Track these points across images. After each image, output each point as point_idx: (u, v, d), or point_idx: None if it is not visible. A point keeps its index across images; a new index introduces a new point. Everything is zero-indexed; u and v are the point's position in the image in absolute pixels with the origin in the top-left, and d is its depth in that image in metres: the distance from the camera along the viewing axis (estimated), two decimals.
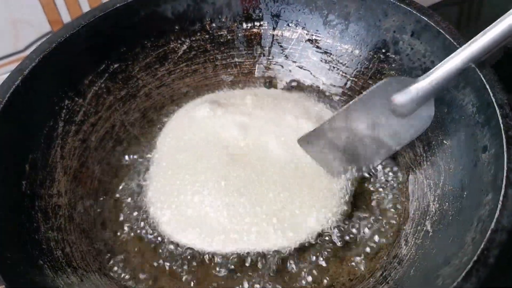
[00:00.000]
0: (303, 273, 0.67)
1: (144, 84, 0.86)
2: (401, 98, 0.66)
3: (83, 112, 0.78)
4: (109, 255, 0.70)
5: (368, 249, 0.69)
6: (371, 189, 0.75)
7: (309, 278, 0.66)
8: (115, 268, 0.68)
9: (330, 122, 0.72)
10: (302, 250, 0.68)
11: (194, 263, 0.68)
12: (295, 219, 0.69)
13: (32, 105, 0.71)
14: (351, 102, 0.70)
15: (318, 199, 0.71)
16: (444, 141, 0.70)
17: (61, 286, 0.60)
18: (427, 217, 0.67)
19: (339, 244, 0.69)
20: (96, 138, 0.79)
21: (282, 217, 0.68)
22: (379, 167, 0.76)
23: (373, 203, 0.73)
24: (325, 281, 0.66)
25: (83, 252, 0.68)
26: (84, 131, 0.78)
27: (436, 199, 0.67)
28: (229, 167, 0.72)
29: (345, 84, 0.86)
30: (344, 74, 0.86)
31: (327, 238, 0.69)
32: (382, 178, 0.76)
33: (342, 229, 0.70)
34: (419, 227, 0.67)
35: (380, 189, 0.75)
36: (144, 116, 0.85)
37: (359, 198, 0.74)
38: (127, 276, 0.67)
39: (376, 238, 0.70)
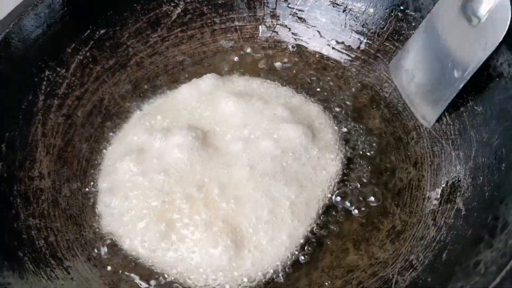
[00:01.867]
0: (319, 257, 0.60)
1: (135, 52, 0.78)
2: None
3: (66, 84, 0.70)
4: (100, 243, 0.62)
5: (389, 231, 0.61)
6: (394, 163, 0.67)
7: (325, 263, 0.59)
8: (106, 257, 0.61)
9: (412, 40, 0.68)
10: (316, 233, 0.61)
11: None
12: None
13: (7, 77, 0.64)
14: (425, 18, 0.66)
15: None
16: (475, 107, 0.62)
17: (43, 282, 0.53)
18: (458, 194, 0.59)
19: (356, 226, 0.61)
20: (83, 113, 0.71)
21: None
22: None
23: (395, 179, 0.65)
24: (342, 267, 0.59)
25: (70, 241, 0.61)
26: (68, 105, 0.70)
27: (468, 172, 0.59)
28: None
29: (358, 47, 0.78)
30: (357, 36, 0.77)
31: (342, 217, 0.62)
32: (403, 150, 0.68)
33: (361, 207, 0.63)
34: (449, 205, 0.59)
35: (403, 164, 0.67)
36: (136, 88, 0.77)
37: (380, 173, 0.66)
38: (120, 266, 0.60)
39: (398, 217, 0.62)
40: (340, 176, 0.66)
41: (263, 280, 0.58)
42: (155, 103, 0.75)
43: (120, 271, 0.59)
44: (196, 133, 0.66)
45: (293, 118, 0.69)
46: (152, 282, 0.59)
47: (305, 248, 0.60)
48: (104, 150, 0.70)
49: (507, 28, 0.55)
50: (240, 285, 0.57)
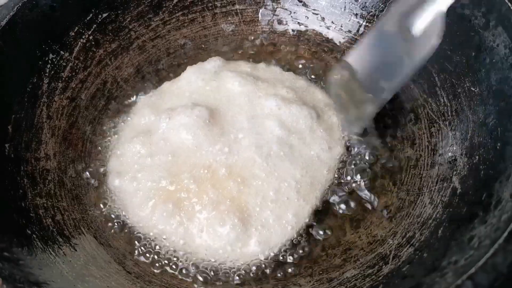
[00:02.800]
0: (317, 237, 0.61)
1: (137, 36, 0.78)
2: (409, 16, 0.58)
3: (70, 67, 0.71)
4: (106, 222, 0.63)
5: (386, 210, 0.63)
6: (392, 143, 0.69)
7: (324, 243, 0.61)
8: (113, 235, 0.62)
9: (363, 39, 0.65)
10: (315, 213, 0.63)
11: None
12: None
13: (12, 60, 0.64)
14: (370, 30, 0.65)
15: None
16: (472, 88, 0.63)
17: (52, 258, 0.55)
18: (454, 173, 0.60)
19: (353, 205, 0.63)
20: (86, 96, 0.73)
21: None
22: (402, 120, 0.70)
23: (393, 159, 0.67)
24: (341, 245, 0.60)
25: (76, 219, 0.62)
26: (72, 88, 0.71)
27: (464, 152, 0.61)
28: None
29: (357, 30, 0.78)
30: (356, 19, 0.78)
31: (340, 198, 0.63)
32: (401, 131, 0.69)
33: (361, 186, 0.64)
34: (445, 184, 0.60)
35: (401, 144, 0.68)
36: (138, 71, 0.78)
37: (379, 154, 0.68)
38: (126, 244, 0.62)
39: (395, 196, 0.63)
40: (344, 157, 0.67)
41: (269, 258, 0.59)
42: (160, 86, 0.76)
43: (126, 249, 0.61)
44: (202, 112, 0.66)
45: (298, 99, 0.70)
46: (159, 260, 0.60)
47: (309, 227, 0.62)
48: (109, 132, 0.71)
49: (434, 47, 0.55)
50: (246, 263, 0.59)
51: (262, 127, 0.66)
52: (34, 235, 0.56)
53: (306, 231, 0.61)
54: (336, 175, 0.66)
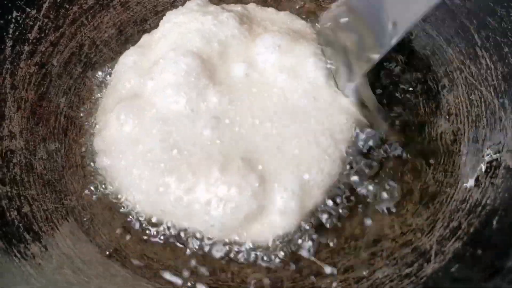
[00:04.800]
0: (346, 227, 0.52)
1: None
2: None
3: (38, 27, 0.62)
4: (83, 212, 0.53)
5: (421, 192, 0.53)
6: (422, 116, 0.58)
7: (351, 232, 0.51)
8: (93, 228, 0.52)
9: None
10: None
11: None
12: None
13: None
14: None
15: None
16: None
17: (16, 262, 0.45)
18: (505, 147, 0.51)
19: (385, 195, 0.53)
20: (59, 62, 0.63)
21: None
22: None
23: (425, 134, 0.57)
24: (371, 235, 0.51)
25: (49, 211, 0.52)
26: (41, 52, 0.61)
27: None
28: None
29: None
30: None
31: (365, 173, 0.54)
32: (435, 102, 0.59)
33: (384, 165, 0.54)
34: (494, 163, 0.50)
35: (433, 117, 0.58)
36: (121, 32, 0.67)
37: (408, 128, 0.58)
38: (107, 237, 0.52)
39: (431, 177, 0.53)
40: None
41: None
42: (142, 41, 0.64)
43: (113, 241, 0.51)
44: (191, 65, 0.55)
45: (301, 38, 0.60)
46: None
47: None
48: (88, 104, 0.60)
49: None
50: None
51: (265, 78, 0.56)
52: None
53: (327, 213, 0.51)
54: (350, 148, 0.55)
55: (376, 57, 0.53)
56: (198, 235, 0.51)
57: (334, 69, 0.57)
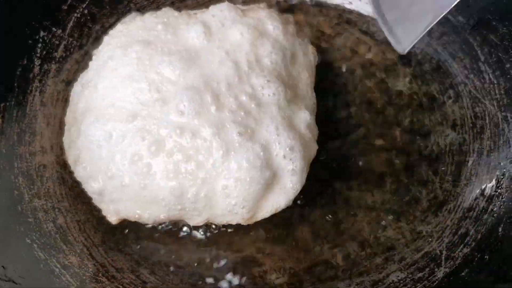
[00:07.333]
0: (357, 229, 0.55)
1: (138, 8, 0.69)
2: None
3: (63, 46, 0.63)
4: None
5: (429, 201, 0.56)
6: (428, 126, 0.61)
7: (362, 237, 0.54)
8: (122, 237, 0.55)
9: None
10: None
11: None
12: None
13: None
14: None
15: None
16: None
17: (57, 271, 0.47)
18: (510, 159, 0.54)
19: (389, 196, 0.56)
20: None
21: None
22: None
23: (431, 144, 0.60)
24: (382, 242, 0.54)
25: (81, 221, 0.55)
26: (67, 70, 0.63)
27: None
28: None
29: None
30: None
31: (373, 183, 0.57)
32: (440, 112, 0.62)
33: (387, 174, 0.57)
34: (497, 172, 0.54)
35: (439, 126, 0.61)
36: None
37: (414, 137, 0.61)
38: (135, 245, 0.54)
39: (438, 186, 0.57)
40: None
41: None
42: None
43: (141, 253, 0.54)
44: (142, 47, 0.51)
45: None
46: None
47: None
48: None
49: None
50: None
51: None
52: (34, 244, 0.49)
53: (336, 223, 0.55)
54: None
55: None
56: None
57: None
